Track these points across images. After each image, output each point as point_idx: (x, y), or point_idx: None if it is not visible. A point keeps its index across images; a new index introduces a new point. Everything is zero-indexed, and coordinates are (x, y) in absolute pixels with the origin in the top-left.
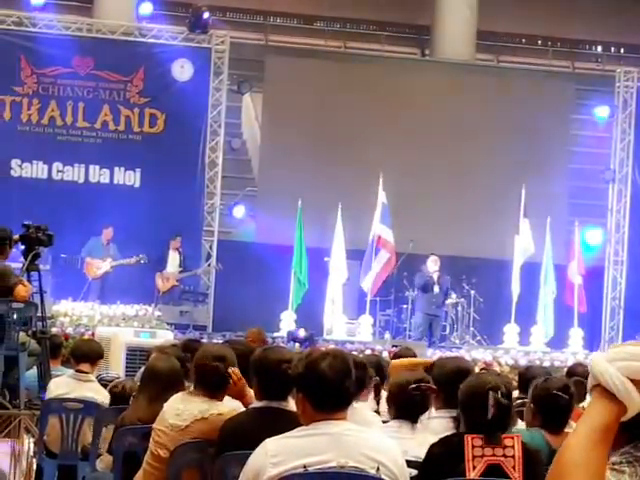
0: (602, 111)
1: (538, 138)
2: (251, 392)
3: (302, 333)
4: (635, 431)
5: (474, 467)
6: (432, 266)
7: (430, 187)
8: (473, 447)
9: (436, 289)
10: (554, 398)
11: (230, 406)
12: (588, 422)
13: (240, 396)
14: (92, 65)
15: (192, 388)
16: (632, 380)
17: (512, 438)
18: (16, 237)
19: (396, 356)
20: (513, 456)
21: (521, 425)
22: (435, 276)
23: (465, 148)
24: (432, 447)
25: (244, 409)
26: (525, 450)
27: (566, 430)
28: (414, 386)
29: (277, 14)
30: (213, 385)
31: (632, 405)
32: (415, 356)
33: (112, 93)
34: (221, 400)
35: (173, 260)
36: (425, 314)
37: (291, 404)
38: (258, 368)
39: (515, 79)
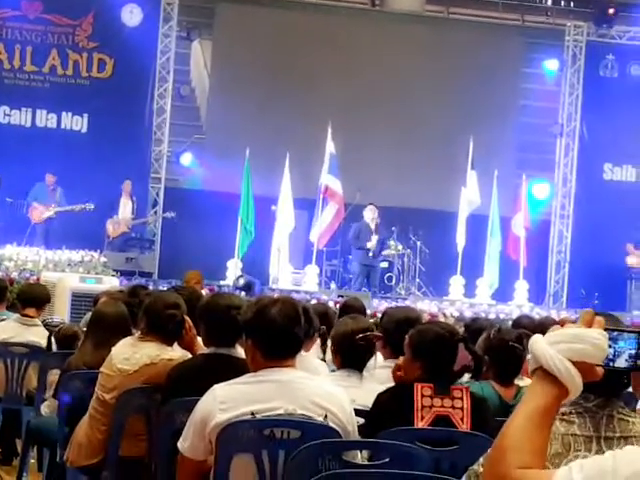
0: (551, 64)
1: (487, 91)
2: (200, 341)
3: (241, 281)
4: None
5: (422, 417)
6: (368, 215)
7: (378, 138)
8: (422, 396)
9: (373, 239)
10: (510, 349)
11: (180, 353)
12: (530, 405)
13: (190, 345)
14: (41, 9)
15: (140, 333)
16: (574, 363)
17: (461, 390)
18: None
19: (345, 306)
20: (462, 408)
21: (467, 377)
22: (372, 225)
23: (414, 99)
24: (380, 395)
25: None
26: (473, 400)
27: (516, 382)
28: (361, 336)
29: None
30: (167, 332)
31: (574, 387)
32: (364, 307)
33: (61, 37)
34: (171, 347)
35: (125, 206)
36: (362, 264)
37: (239, 351)
38: (206, 314)
39: (465, 31)
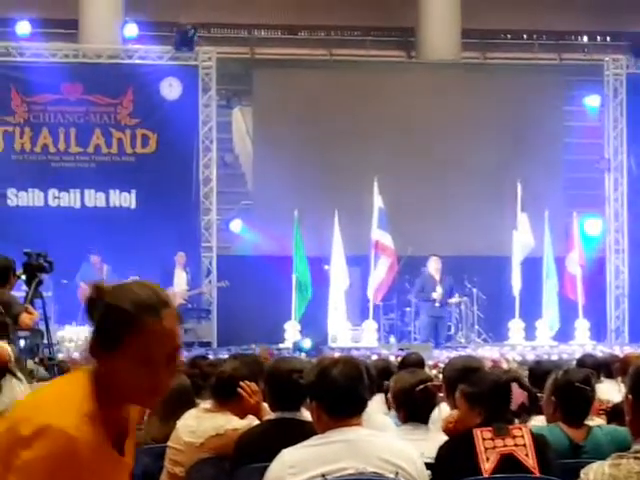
0: (592, 101)
1: (531, 132)
2: (266, 407)
3: (307, 343)
4: None
5: (487, 459)
6: (432, 266)
7: (425, 188)
8: (483, 440)
9: (438, 290)
10: (577, 390)
11: (246, 422)
12: None
13: (256, 411)
14: (81, 90)
15: (205, 404)
16: None
17: (520, 428)
18: (19, 272)
19: (403, 362)
20: (524, 445)
21: (535, 420)
22: (437, 276)
23: (458, 147)
24: (441, 448)
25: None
26: (534, 438)
27: (586, 422)
28: (421, 387)
29: (261, 27)
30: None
31: None
32: (422, 360)
33: (103, 116)
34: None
35: (179, 278)
36: (429, 316)
37: (305, 414)
38: (270, 380)
39: (503, 75)
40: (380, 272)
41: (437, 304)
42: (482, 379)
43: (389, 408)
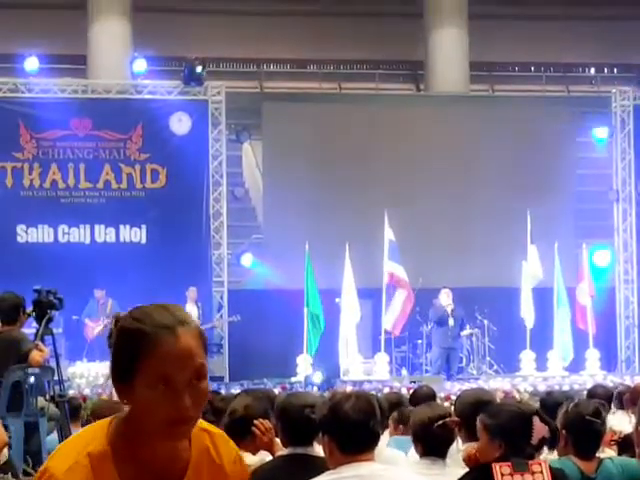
0: (601, 132)
1: (539, 163)
2: (279, 442)
3: (317, 377)
4: None
5: None
6: (445, 299)
7: (435, 220)
8: (502, 475)
9: (451, 322)
10: (588, 423)
11: (257, 458)
12: None
13: (269, 447)
14: (90, 126)
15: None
16: None
17: (539, 464)
18: (30, 309)
19: (414, 395)
20: None
21: (546, 453)
22: (449, 309)
23: (466, 179)
24: None
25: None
26: (552, 474)
27: (597, 455)
28: (440, 423)
29: (270, 61)
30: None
31: None
32: (433, 393)
33: (112, 152)
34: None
35: (191, 312)
36: (441, 348)
37: (317, 449)
38: (282, 415)
39: (511, 107)
40: (397, 304)
41: (449, 337)
42: (503, 411)
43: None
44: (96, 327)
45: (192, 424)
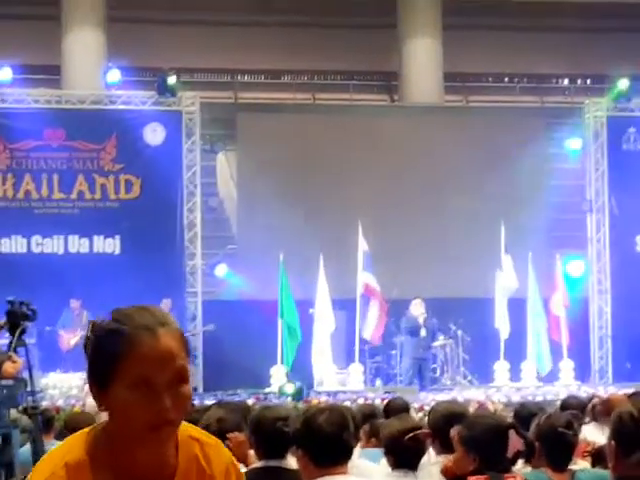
0: (573, 143)
1: (513, 174)
2: (252, 454)
3: (290, 388)
4: None
5: None
6: (417, 309)
7: (409, 230)
8: None
9: (422, 332)
10: (560, 435)
11: None
12: None
13: (242, 460)
14: (64, 136)
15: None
16: None
17: (514, 477)
18: (2, 321)
19: (388, 407)
20: None
21: (521, 466)
22: (421, 319)
23: (440, 190)
24: None
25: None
26: None
27: (569, 467)
28: (411, 435)
29: (244, 71)
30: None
31: None
32: (407, 405)
33: (86, 162)
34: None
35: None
36: (413, 358)
37: (290, 462)
38: (255, 428)
39: (485, 118)
40: (373, 314)
41: (421, 347)
42: (479, 423)
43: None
44: (72, 338)
45: (173, 428)
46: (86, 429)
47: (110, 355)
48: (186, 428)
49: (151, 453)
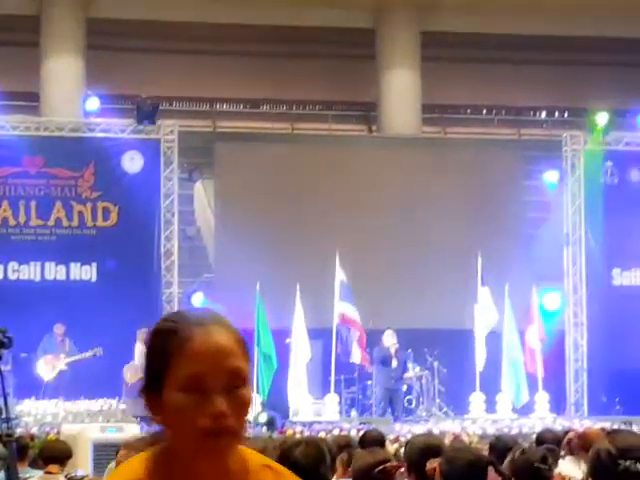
0: (551, 176)
1: (491, 206)
2: None
3: (263, 418)
4: None
5: None
6: (388, 340)
7: (386, 261)
8: None
9: (394, 363)
10: (536, 470)
11: None
12: None
13: None
14: (42, 163)
15: None
16: None
17: None
18: None
19: (364, 438)
20: None
21: None
22: (393, 350)
23: (419, 220)
24: None
25: None
26: None
27: None
28: (380, 468)
29: (223, 100)
30: None
31: None
32: (382, 437)
33: (64, 189)
34: None
35: (141, 351)
36: (385, 389)
37: None
38: None
39: (463, 149)
40: (357, 340)
41: (392, 378)
42: (459, 458)
43: None
44: (56, 364)
45: (232, 437)
46: (149, 450)
47: (161, 355)
48: (256, 455)
49: (211, 467)
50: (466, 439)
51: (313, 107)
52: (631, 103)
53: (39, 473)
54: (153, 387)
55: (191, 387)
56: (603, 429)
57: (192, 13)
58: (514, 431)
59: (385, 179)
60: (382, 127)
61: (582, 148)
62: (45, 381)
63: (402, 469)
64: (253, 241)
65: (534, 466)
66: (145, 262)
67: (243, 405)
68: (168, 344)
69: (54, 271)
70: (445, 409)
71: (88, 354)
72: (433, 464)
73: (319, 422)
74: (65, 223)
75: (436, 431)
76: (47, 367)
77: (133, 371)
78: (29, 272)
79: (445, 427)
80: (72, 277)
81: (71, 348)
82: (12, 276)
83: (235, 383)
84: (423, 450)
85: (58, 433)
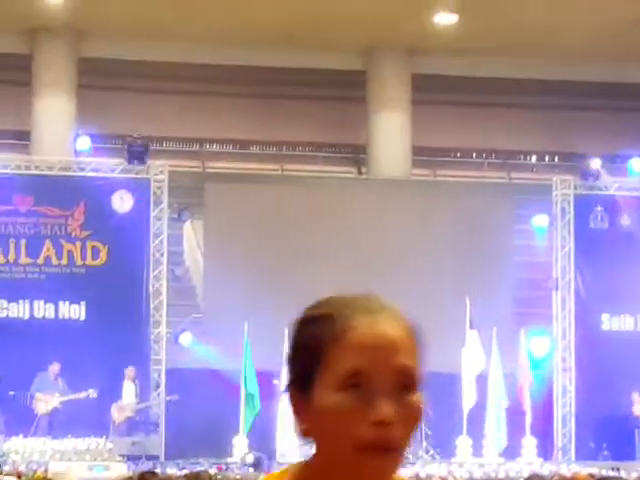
0: (540, 220)
1: (479, 249)
2: None
3: (249, 459)
4: None
5: None
6: None
7: None
8: None
9: None
10: None
11: None
12: None
13: None
14: (32, 202)
15: None
16: None
17: None
18: None
19: None
20: None
21: None
22: None
23: (407, 264)
24: None
25: None
26: None
27: None
28: None
29: (213, 141)
30: None
31: None
32: None
33: (53, 228)
34: None
35: (129, 391)
36: None
37: None
38: None
39: (453, 192)
40: None
41: None
42: None
43: None
44: (51, 401)
45: (397, 454)
46: (285, 468)
47: (313, 345)
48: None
49: None
50: None
51: (303, 148)
52: (621, 148)
53: None
54: (302, 385)
55: (348, 385)
56: (591, 475)
57: (183, 54)
58: (501, 475)
59: (374, 221)
60: (372, 169)
61: (572, 192)
62: (39, 414)
63: None
64: (242, 281)
65: None
66: (133, 301)
67: (413, 414)
68: (324, 332)
69: (43, 309)
70: (432, 452)
71: (82, 395)
72: None
73: None
74: (54, 262)
75: (423, 474)
76: (41, 404)
77: (121, 410)
78: (18, 310)
79: (432, 470)
80: (61, 316)
81: (64, 387)
82: (1, 314)
83: (404, 384)
84: None
85: (46, 471)
